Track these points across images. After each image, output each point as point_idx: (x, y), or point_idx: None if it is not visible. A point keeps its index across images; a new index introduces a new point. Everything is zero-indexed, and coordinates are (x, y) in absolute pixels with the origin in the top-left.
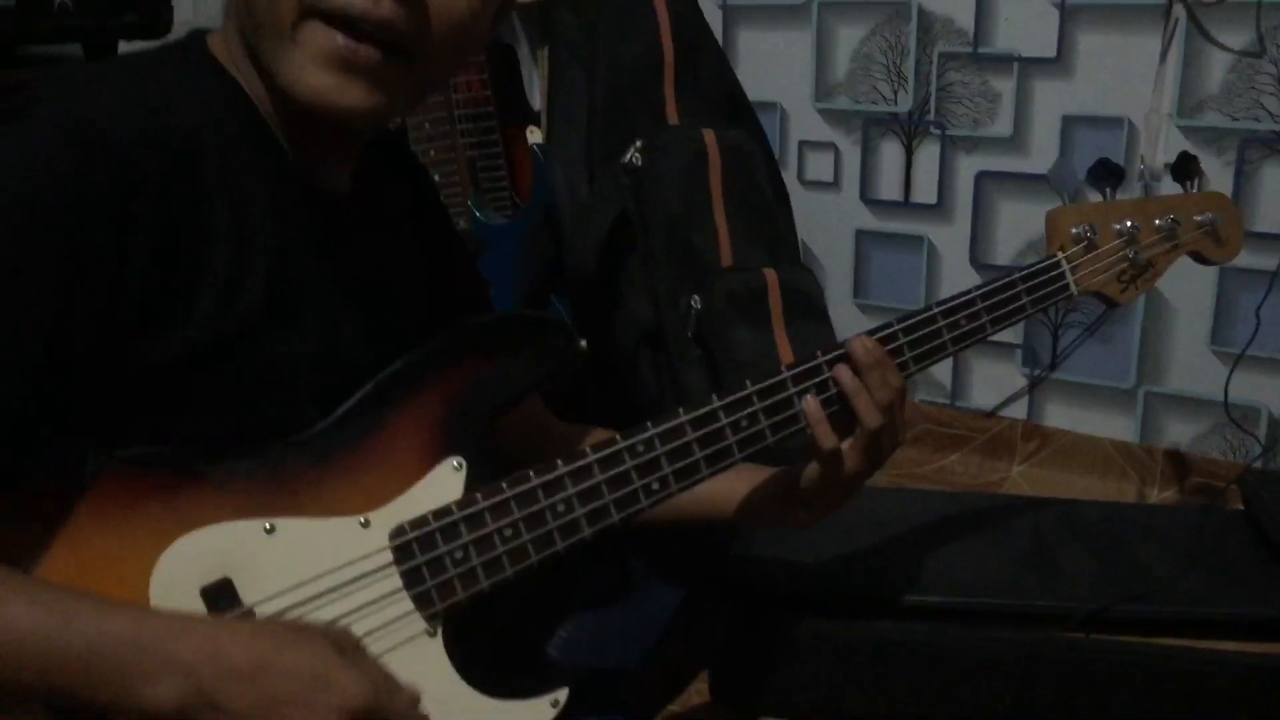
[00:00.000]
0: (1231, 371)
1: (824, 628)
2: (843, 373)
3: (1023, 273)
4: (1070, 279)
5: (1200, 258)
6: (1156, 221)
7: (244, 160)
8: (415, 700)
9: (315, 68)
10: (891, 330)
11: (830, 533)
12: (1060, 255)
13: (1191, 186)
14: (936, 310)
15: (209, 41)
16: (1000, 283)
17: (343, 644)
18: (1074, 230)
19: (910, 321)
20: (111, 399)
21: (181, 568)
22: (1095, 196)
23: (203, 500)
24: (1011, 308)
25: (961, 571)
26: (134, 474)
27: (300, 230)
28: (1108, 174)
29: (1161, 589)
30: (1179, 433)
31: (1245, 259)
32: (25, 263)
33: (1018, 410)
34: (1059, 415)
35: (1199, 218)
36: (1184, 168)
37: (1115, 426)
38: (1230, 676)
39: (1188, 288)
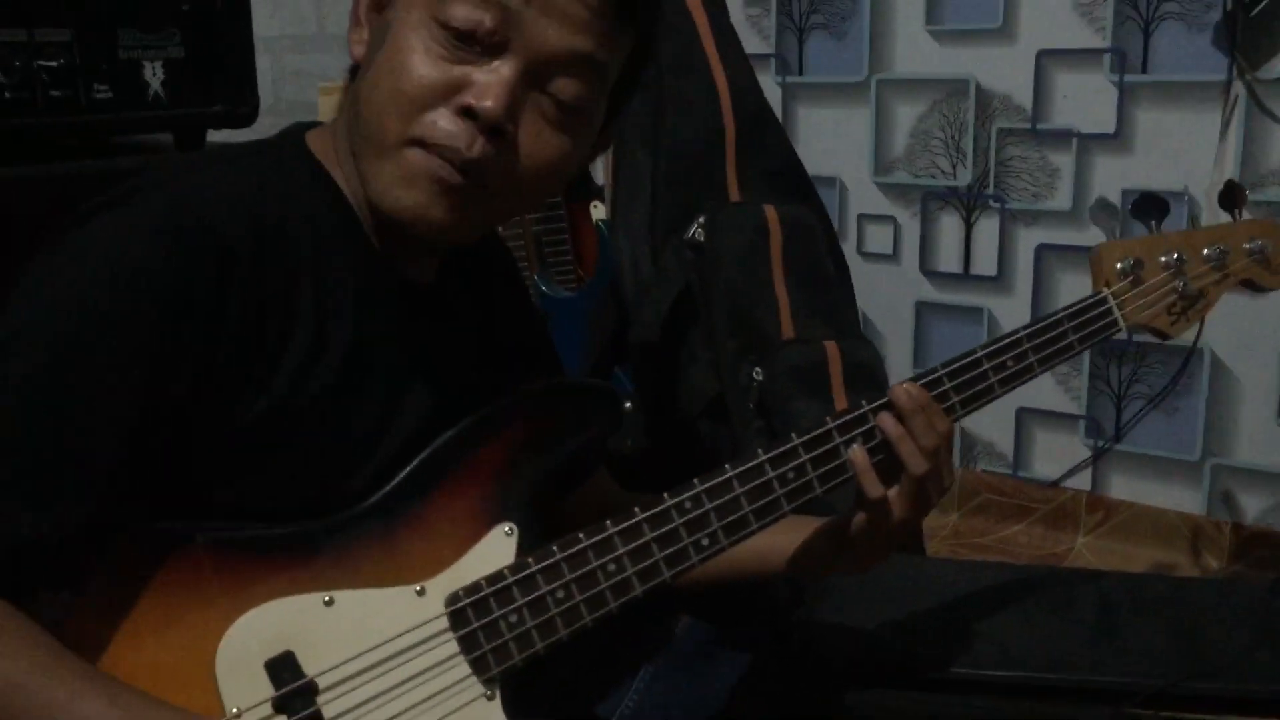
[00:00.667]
0: None
1: (885, 700)
2: (886, 420)
3: (1068, 310)
4: (1118, 314)
5: (1254, 286)
6: (1204, 251)
7: (332, 250)
8: None
9: (406, 185)
10: (937, 375)
11: (894, 603)
12: (1106, 291)
13: (1239, 215)
14: (982, 354)
15: (308, 137)
16: (1046, 322)
17: None
18: (1119, 265)
19: (955, 365)
20: (180, 470)
21: (246, 643)
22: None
23: (266, 575)
24: (1058, 346)
25: (1026, 645)
26: (207, 552)
27: (380, 317)
28: (1152, 207)
29: (1230, 666)
30: (1247, 506)
31: None
32: (116, 350)
33: (1081, 481)
34: (1123, 487)
35: (1248, 245)
36: (1230, 196)
37: (1181, 499)
38: None
39: (1254, 360)
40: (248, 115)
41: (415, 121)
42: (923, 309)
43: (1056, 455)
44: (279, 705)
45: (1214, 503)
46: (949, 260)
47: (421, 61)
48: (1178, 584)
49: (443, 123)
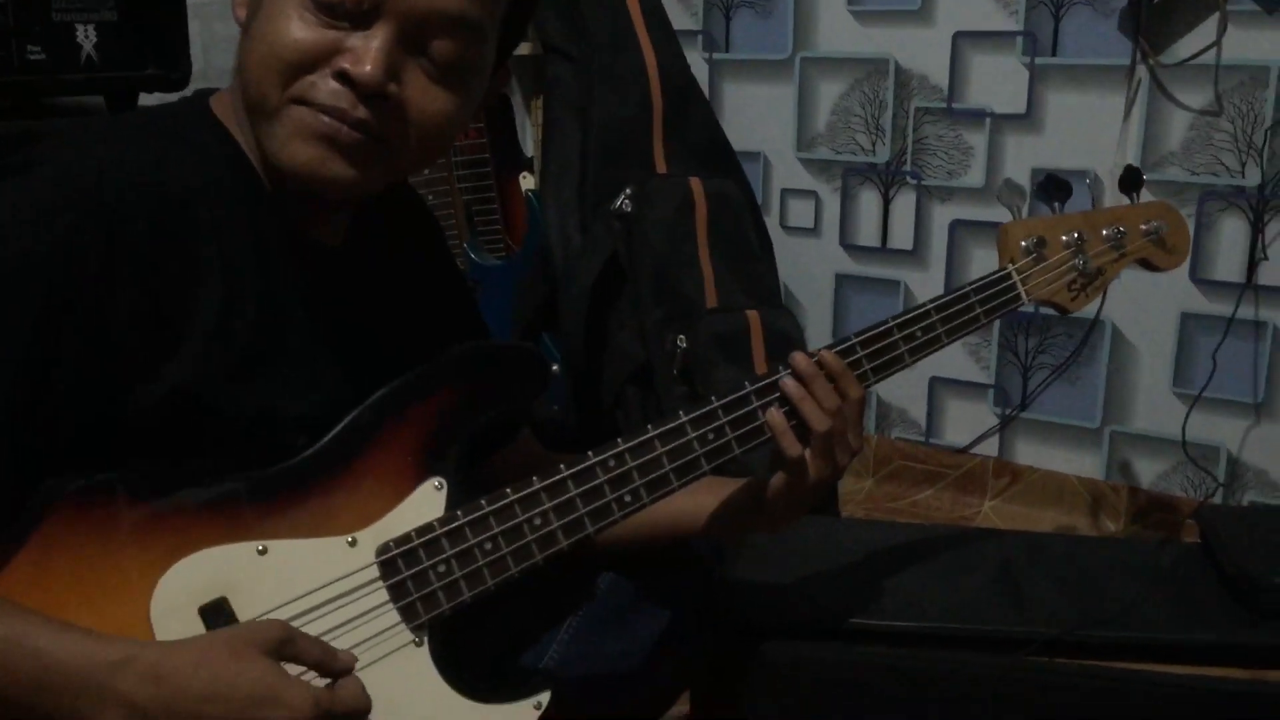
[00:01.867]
0: (1189, 412)
1: (801, 651)
2: (788, 383)
3: (975, 285)
4: (1021, 289)
5: (1149, 265)
6: (1104, 232)
7: (237, 216)
8: (359, 692)
9: (300, 140)
10: (850, 344)
11: (808, 561)
12: (1010, 267)
13: (1136, 198)
14: (893, 324)
15: (213, 101)
16: (954, 295)
17: (278, 643)
18: (1023, 243)
19: (868, 335)
20: (103, 440)
21: (180, 589)
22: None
23: (199, 525)
24: (965, 318)
25: (932, 598)
26: (134, 501)
27: (290, 281)
28: (1056, 188)
29: (1122, 616)
30: (1143, 470)
31: (1203, 305)
32: (4, 319)
33: (989, 448)
34: (1028, 453)
35: (1145, 226)
36: (1130, 180)
37: (1082, 464)
38: (1187, 699)
39: (1150, 332)
40: (179, 80)
41: (294, 84)
42: (842, 281)
43: (966, 423)
44: None
45: (1112, 468)
46: (868, 234)
47: (296, 27)
48: (1075, 542)
49: (322, 85)
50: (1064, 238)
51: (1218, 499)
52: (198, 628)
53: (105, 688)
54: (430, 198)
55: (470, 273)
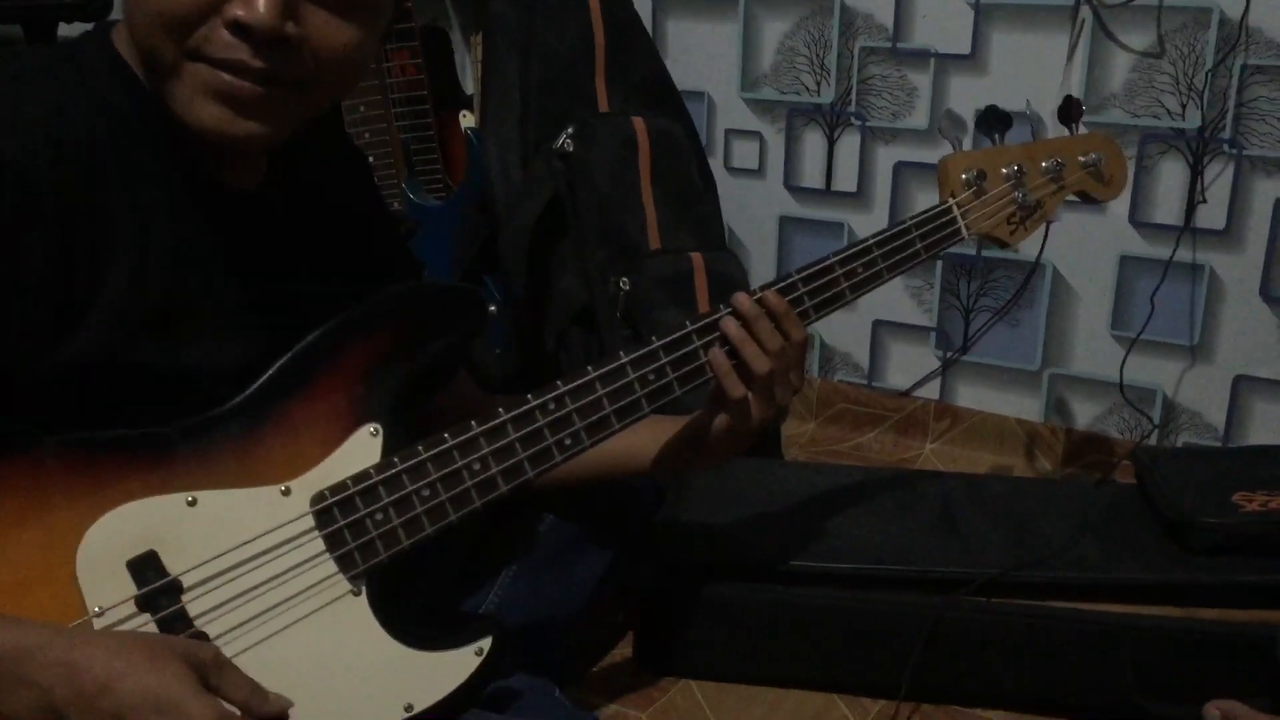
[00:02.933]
0: (1127, 355)
1: (742, 593)
2: (729, 324)
3: (915, 219)
4: (961, 223)
5: (1087, 197)
6: (1043, 164)
7: (145, 163)
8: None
9: (203, 100)
10: (792, 280)
11: (750, 503)
12: (951, 201)
13: (1076, 129)
14: (834, 260)
15: (115, 36)
16: (895, 230)
17: (204, 664)
18: (964, 176)
19: (809, 272)
20: (20, 399)
21: (107, 543)
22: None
23: (125, 477)
24: (906, 254)
25: (872, 540)
26: (57, 454)
27: (205, 229)
28: (996, 120)
29: (1058, 556)
30: (1080, 412)
31: (1143, 248)
32: None
33: (931, 391)
34: (969, 395)
35: (1083, 158)
36: (1068, 110)
37: (1022, 406)
38: (1119, 637)
39: (1090, 275)
40: (100, 8)
41: (187, 39)
42: (786, 223)
43: (908, 366)
44: (142, 604)
45: (1050, 410)
46: (812, 176)
47: None
48: (1012, 483)
49: (216, 37)
50: (1004, 170)
51: (1153, 440)
52: (126, 582)
53: (18, 671)
54: (366, 135)
55: (409, 213)
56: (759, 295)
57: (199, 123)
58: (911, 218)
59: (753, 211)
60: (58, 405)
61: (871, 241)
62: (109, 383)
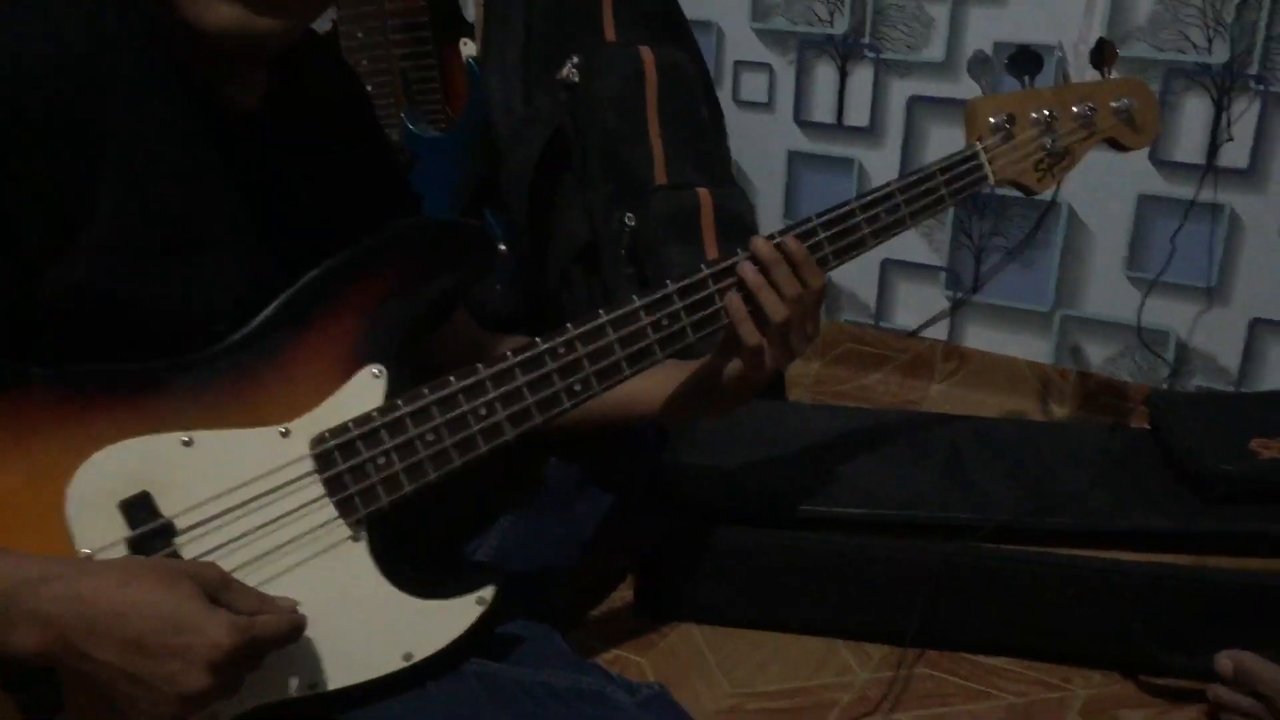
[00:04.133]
0: (1145, 297)
1: (746, 537)
2: (747, 269)
3: (940, 164)
4: (988, 169)
5: (1117, 145)
6: (1074, 109)
7: (143, 84)
8: (294, 623)
9: (219, 1)
10: (811, 225)
11: (755, 446)
12: (979, 145)
13: (1108, 73)
14: (855, 205)
15: None
16: (919, 174)
17: (212, 583)
18: (992, 120)
19: (829, 216)
20: (12, 332)
21: (98, 482)
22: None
23: (118, 415)
24: (930, 199)
25: (881, 485)
26: (47, 390)
27: (205, 153)
28: (1026, 62)
29: (1071, 503)
30: (1092, 355)
31: (1163, 187)
32: None
33: (939, 331)
34: (978, 337)
35: (1115, 104)
36: (1101, 53)
37: (1032, 348)
38: (1133, 585)
39: (1107, 215)
40: None
41: None
42: (795, 159)
43: (917, 306)
44: (134, 546)
45: (1062, 352)
46: (823, 110)
47: None
48: (1024, 427)
49: None
50: (1034, 115)
51: (1166, 384)
52: (118, 523)
53: (23, 604)
54: (364, 63)
55: (407, 143)
56: (778, 240)
57: (217, 23)
58: (936, 162)
59: (761, 146)
60: (49, 339)
61: (894, 186)
62: (102, 315)
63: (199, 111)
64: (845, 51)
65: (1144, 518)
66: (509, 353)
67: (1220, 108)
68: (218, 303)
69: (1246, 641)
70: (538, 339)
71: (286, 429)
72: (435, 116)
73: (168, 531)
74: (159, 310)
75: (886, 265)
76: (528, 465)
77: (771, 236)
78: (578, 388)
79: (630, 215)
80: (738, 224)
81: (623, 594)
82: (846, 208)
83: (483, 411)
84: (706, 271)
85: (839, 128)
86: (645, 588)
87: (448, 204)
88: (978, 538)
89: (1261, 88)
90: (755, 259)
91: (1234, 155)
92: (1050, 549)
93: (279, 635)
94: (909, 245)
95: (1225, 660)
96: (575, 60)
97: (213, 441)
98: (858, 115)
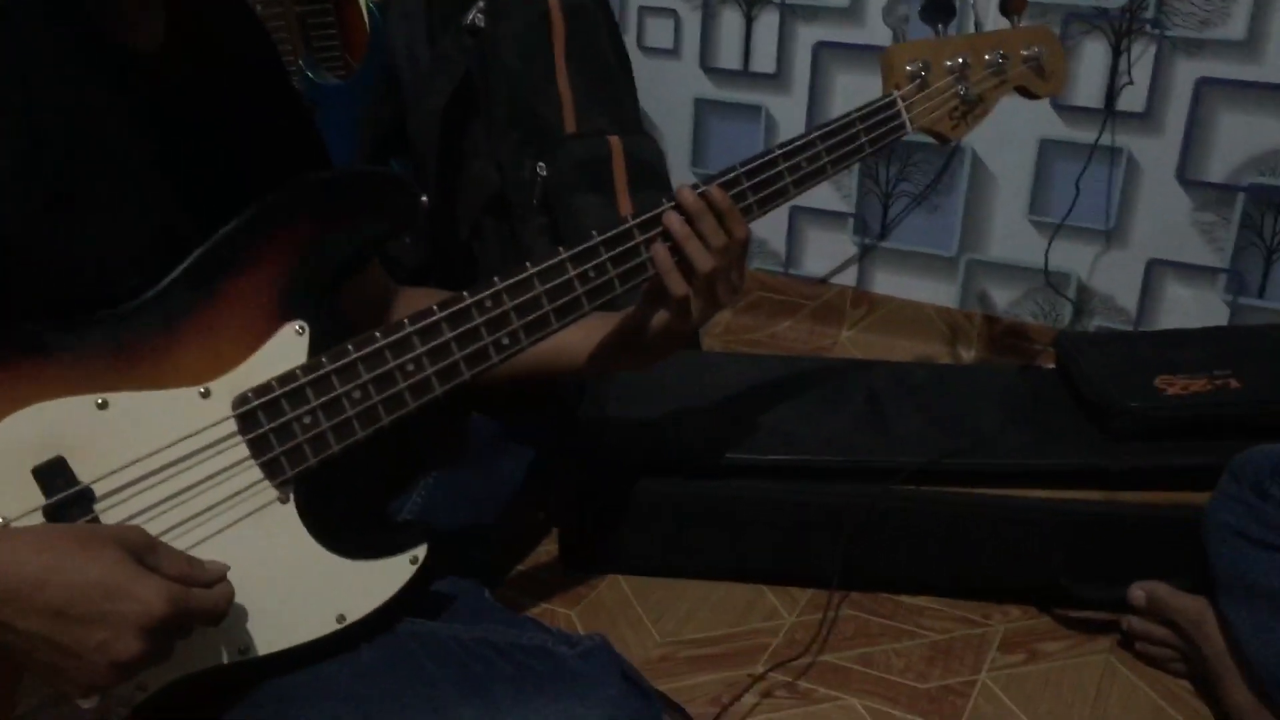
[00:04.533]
0: (1052, 240)
1: (667, 487)
2: (672, 219)
3: (860, 112)
4: (905, 117)
5: (1026, 93)
6: (986, 57)
7: (35, 24)
8: (225, 594)
9: None
10: (735, 174)
11: (674, 396)
12: (896, 94)
13: (1018, 21)
14: (778, 153)
15: None
16: (838, 123)
17: (138, 547)
18: (908, 68)
19: (753, 165)
20: None
21: (9, 449)
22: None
23: (25, 378)
24: (850, 148)
25: (800, 431)
26: None
27: (103, 95)
28: (939, 10)
29: (985, 444)
30: (997, 298)
31: (1064, 131)
32: None
33: (848, 278)
34: (887, 282)
35: (1025, 52)
36: (1013, 1)
37: (937, 292)
38: (1047, 522)
39: (1009, 160)
40: None
41: None
42: (701, 105)
43: (826, 253)
44: (51, 514)
45: (967, 296)
46: (729, 57)
47: None
48: (937, 370)
49: None
50: (948, 63)
51: (1065, 325)
52: (32, 490)
53: None
54: (259, 8)
55: (307, 93)
56: (702, 190)
57: None
58: (855, 110)
59: (667, 93)
60: None
61: (815, 134)
62: (4, 271)
63: (95, 53)
64: None
65: (1056, 456)
66: (434, 307)
67: (1118, 52)
68: (116, 255)
69: (1157, 572)
70: (465, 292)
71: (207, 389)
72: (334, 64)
73: (86, 498)
74: (55, 264)
75: (795, 213)
76: (449, 422)
77: (696, 186)
78: (505, 341)
79: (541, 164)
80: (649, 172)
81: (547, 548)
82: (769, 156)
83: (410, 368)
84: (632, 222)
85: (745, 74)
86: (569, 541)
87: (351, 153)
88: (897, 480)
89: (1158, 32)
90: (681, 209)
91: (1131, 100)
92: (968, 489)
93: (213, 611)
94: (817, 193)
95: (1138, 591)
96: (480, 4)
97: (129, 403)
98: (764, 62)
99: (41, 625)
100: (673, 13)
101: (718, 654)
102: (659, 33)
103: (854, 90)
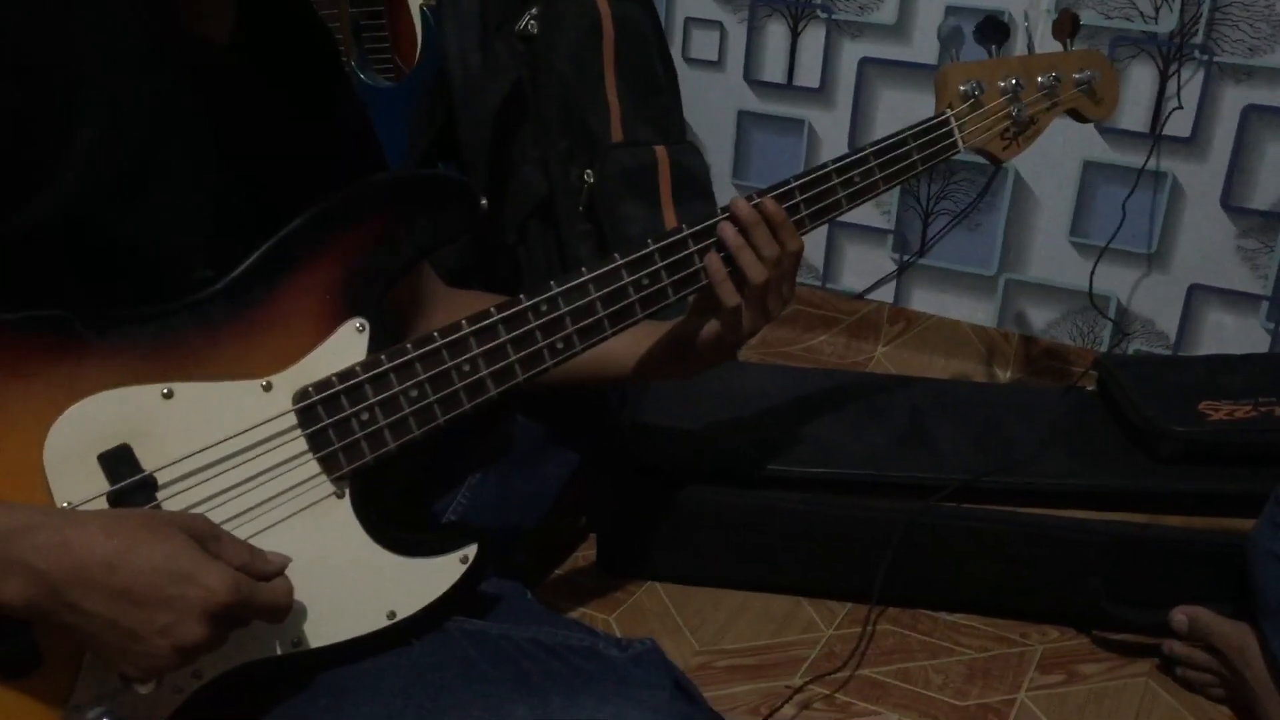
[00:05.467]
0: (1097, 262)
1: (708, 496)
2: (726, 229)
3: (913, 130)
4: (958, 135)
5: (1078, 116)
6: (1039, 79)
7: (116, 14)
8: (286, 589)
9: None
10: (789, 187)
11: (716, 405)
12: (949, 113)
13: (1071, 44)
14: (832, 168)
15: None
16: (892, 140)
17: (202, 534)
18: (962, 87)
19: (806, 179)
20: None
21: (76, 435)
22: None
23: (95, 365)
24: (903, 164)
25: (842, 444)
26: (19, 337)
27: (179, 84)
28: (994, 31)
29: (1027, 463)
30: (1034, 318)
31: (1107, 154)
32: None
33: (885, 294)
34: (924, 300)
35: (1078, 75)
36: (1065, 25)
37: (975, 311)
38: (1089, 543)
39: (1052, 181)
40: None
41: None
42: (744, 118)
43: (864, 269)
44: (115, 500)
45: (1005, 316)
46: (773, 70)
47: None
48: (979, 389)
49: None
50: (1001, 83)
51: (1104, 348)
52: (98, 477)
53: (6, 556)
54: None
55: (359, 95)
56: (756, 202)
57: None
58: (908, 128)
59: (710, 105)
60: (19, 282)
61: (869, 151)
62: (71, 254)
63: (167, 38)
64: (796, 10)
65: (1099, 477)
66: (492, 309)
67: (1165, 76)
68: (188, 241)
69: (1197, 597)
70: (521, 295)
71: (268, 382)
72: (385, 67)
73: (149, 486)
74: (124, 249)
75: (834, 227)
76: (495, 424)
77: (750, 198)
78: (560, 345)
79: (589, 171)
80: (694, 182)
81: (585, 553)
82: (822, 170)
83: (466, 368)
84: (686, 231)
85: (789, 88)
86: (608, 547)
87: (399, 156)
88: (939, 497)
89: (1206, 58)
90: (735, 220)
91: (1176, 125)
92: (1009, 508)
93: (274, 605)
94: (857, 208)
95: (1180, 615)
96: (534, 11)
97: (193, 394)
98: (808, 76)
99: (107, 607)
100: (718, 24)
101: (756, 665)
102: (704, 44)
103: (898, 107)
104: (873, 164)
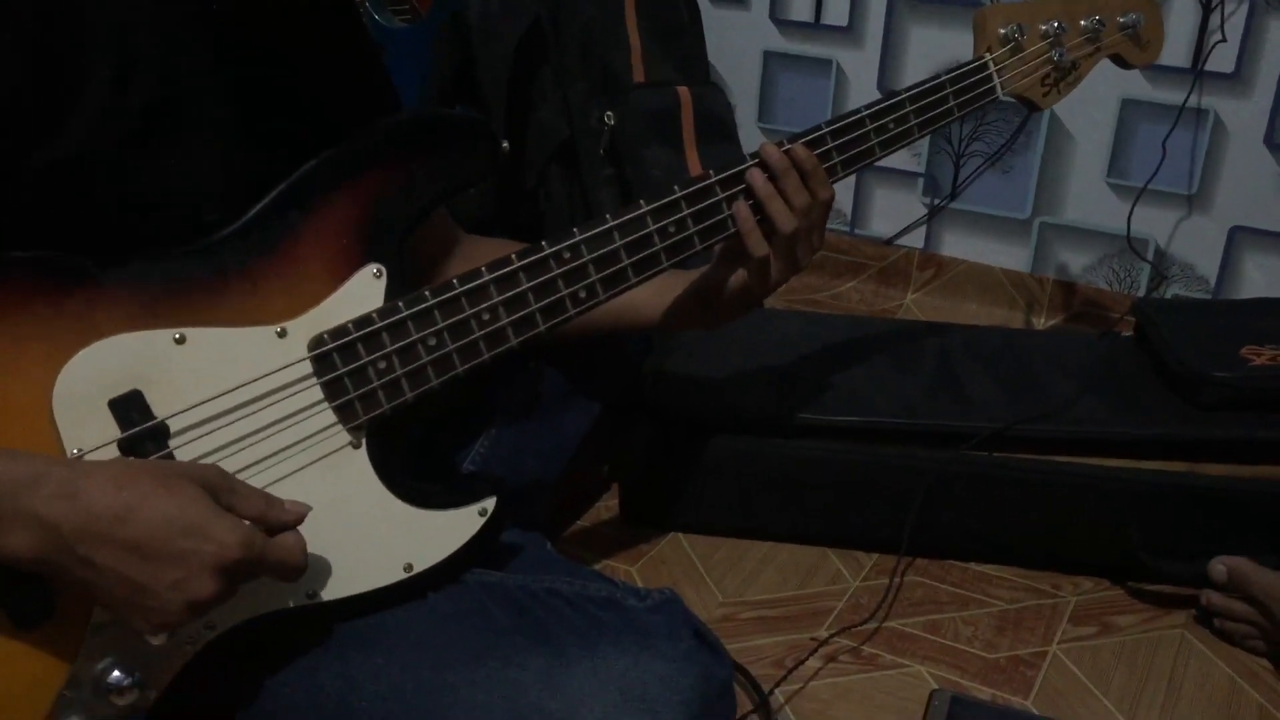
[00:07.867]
0: (1134, 205)
1: (733, 446)
2: (756, 176)
3: (950, 75)
4: (997, 81)
5: (1121, 61)
6: (1082, 22)
7: None
8: (299, 545)
9: None
10: (820, 134)
11: (742, 354)
12: (988, 57)
13: None
14: (865, 114)
15: None
16: (928, 85)
17: (216, 486)
18: (1002, 31)
19: (839, 125)
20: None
21: (86, 379)
22: None
23: (106, 308)
24: (939, 110)
25: (870, 392)
26: (28, 278)
27: (189, 32)
28: None
29: (1061, 410)
30: (1070, 263)
31: (1149, 92)
32: None
33: (915, 239)
34: (955, 244)
35: (1122, 19)
36: None
37: (1008, 256)
38: (1125, 492)
39: (1089, 120)
40: None
41: None
42: (770, 58)
43: (894, 213)
44: (126, 447)
45: (1039, 260)
46: (800, 8)
47: None
48: (1011, 335)
49: None
50: (1043, 27)
51: (1141, 292)
52: (108, 422)
53: (15, 504)
54: None
55: (374, 36)
56: (787, 148)
57: None
58: (945, 73)
59: (734, 45)
60: (31, 227)
61: (904, 96)
62: (87, 202)
63: None
64: None
65: (1137, 424)
66: (513, 255)
67: (1208, 9)
68: (196, 191)
69: (1240, 547)
70: (544, 242)
71: (283, 329)
72: (400, 7)
73: (161, 433)
74: (137, 196)
75: (863, 171)
76: (515, 374)
77: (780, 144)
78: (583, 294)
79: (610, 114)
80: (717, 125)
81: (607, 503)
82: (855, 116)
83: (486, 316)
84: (714, 178)
85: (817, 26)
86: (632, 498)
87: (415, 98)
88: (970, 446)
89: None
90: (764, 166)
91: (1219, 59)
92: (1043, 456)
93: (285, 562)
94: None
95: (1219, 566)
96: None
97: (207, 339)
98: (836, 14)
99: (118, 561)
100: None
101: (781, 616)
102: None
103: (929, 45)
104: (908, 109)
